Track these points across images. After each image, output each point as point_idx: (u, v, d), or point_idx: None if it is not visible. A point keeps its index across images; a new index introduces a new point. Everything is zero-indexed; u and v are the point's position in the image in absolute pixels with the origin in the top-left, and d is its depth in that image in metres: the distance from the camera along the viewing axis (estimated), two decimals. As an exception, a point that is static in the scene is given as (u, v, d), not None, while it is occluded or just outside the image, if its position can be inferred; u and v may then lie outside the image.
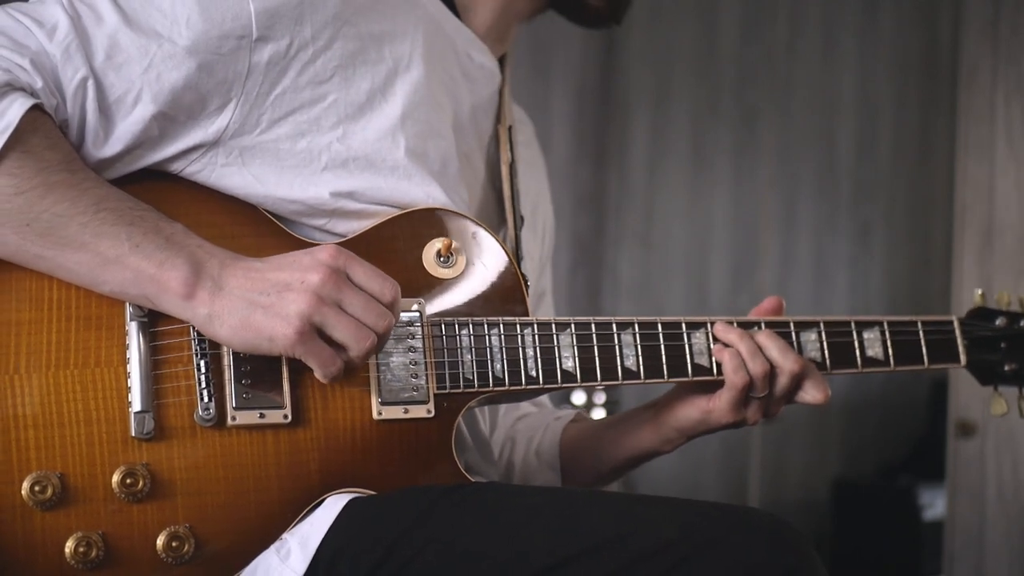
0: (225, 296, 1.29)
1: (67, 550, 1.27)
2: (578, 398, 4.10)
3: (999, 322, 1.72)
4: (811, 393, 1.57)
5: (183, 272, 1.29)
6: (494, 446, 1.76)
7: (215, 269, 1.30)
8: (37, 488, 1.27)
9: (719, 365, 1.54)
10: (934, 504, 4.68)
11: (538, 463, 1.77)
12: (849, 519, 4.99)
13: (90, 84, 1.32)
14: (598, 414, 4.09)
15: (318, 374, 1.32)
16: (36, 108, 1.28)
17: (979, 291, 1.77)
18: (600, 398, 4.14)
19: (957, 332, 1.68)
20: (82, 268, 1.30)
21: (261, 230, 1.43)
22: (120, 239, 1.28)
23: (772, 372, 1.54)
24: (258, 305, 1.28)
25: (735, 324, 1.56)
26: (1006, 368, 1.72)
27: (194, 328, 1.33)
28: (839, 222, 5.10)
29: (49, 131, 1.30)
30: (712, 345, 1.54)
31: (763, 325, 1.57)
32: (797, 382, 1.56)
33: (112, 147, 1.35)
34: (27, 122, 1.26)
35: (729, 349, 1.53)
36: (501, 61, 1.73)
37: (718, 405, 1.55)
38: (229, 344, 1.31)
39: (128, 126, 1.35)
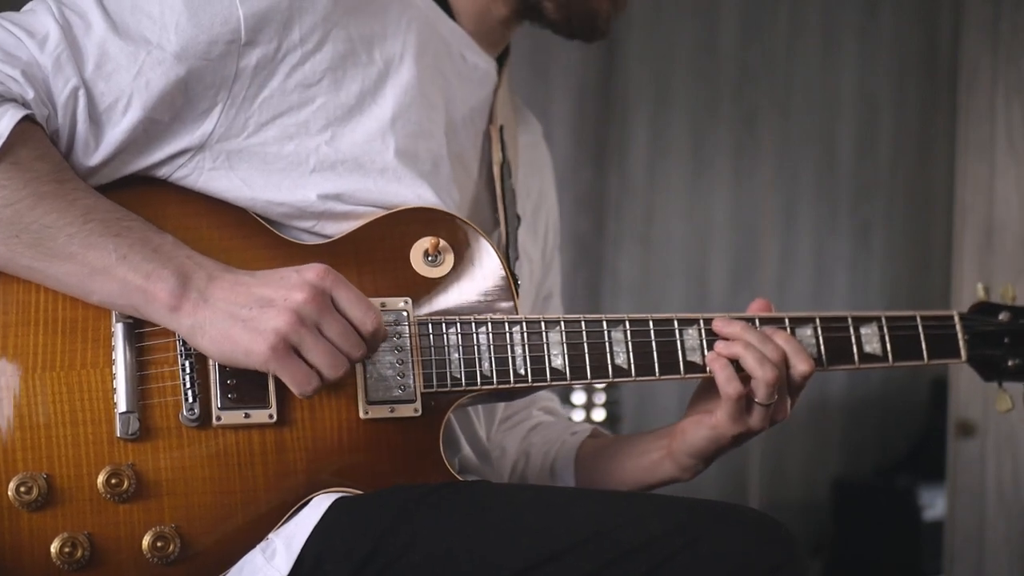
0: (208, 307, 1.29)
1: (53, 551, 1.28)
2: (578, 398, 4.09)
3: (1002, 317, 1.69)
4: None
5: (170, 284, 1.29)
6: (507, 460, 1.76)
7: (202, 281, 1.30)
8: (23, 489, 1.28)
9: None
10: (934, 504, 4.66)
11: (552, 481, 1.75)
12: (849, 519, 4.97)
13: (81, 94, 1.33)
14: (598, 414, 4.08)
15: (293, 390, 1.32)
16: (27, 119, 1.29)
17: (981, 285, 1.73)
18: (600, 398, 4.13)
19: (958, 327, 1.65)
20: (71, 279, 1.30)
21: (249, 232, 1.43)
22: (108, 250, 1.29)
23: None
24: (238, 318, 1.28)
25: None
26: (1009, 364, 1.68)
27: None
28: (839, 222, 5.08)
29: (39, 141, 1.30)
30: (706, 350, 1.51)
31: (758, 322, 1.55)
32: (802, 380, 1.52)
33: (101, 154, 1.36)
34: (17, 133, 1.27)
35: (720, 360, 1.49)
36: (501, 62, 1.72)
37: (719, 418, 1.51)
38: (209, 355, 1.32)
39: (117, 133, 1.35)
